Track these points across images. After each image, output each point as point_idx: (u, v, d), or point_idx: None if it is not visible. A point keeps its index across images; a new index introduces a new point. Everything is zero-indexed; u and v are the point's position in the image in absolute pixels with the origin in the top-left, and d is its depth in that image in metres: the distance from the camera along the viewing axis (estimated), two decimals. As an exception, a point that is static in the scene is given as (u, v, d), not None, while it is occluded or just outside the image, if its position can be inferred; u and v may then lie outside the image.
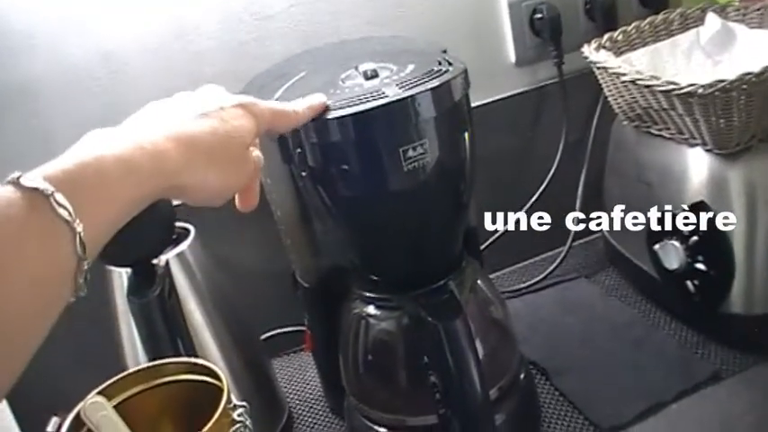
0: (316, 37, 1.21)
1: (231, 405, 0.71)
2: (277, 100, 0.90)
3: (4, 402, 1.11)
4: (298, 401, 1.23)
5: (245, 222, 1.24)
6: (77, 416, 0.73)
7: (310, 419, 1.18)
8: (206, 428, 0.66)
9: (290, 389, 1.26)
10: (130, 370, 0.79)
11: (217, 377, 0.74)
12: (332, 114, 0.80)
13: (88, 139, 0.59)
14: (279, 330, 1.31)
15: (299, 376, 1.29)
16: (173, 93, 0.72)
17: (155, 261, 0.94)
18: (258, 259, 1.27)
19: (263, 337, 1.25)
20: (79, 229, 0.51)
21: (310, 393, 1.24)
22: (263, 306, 1.20)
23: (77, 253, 0.52)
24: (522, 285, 1.35)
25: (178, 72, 1.18)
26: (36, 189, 0.50)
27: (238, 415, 0.70)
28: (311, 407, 1.21)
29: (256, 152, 0.75)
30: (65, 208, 0.50)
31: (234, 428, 0.70)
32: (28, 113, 1.15)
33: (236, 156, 0.70)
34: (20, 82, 1.13)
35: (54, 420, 0.75)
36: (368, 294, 0.96)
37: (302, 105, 0.79)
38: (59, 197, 0.50)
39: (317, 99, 0.80)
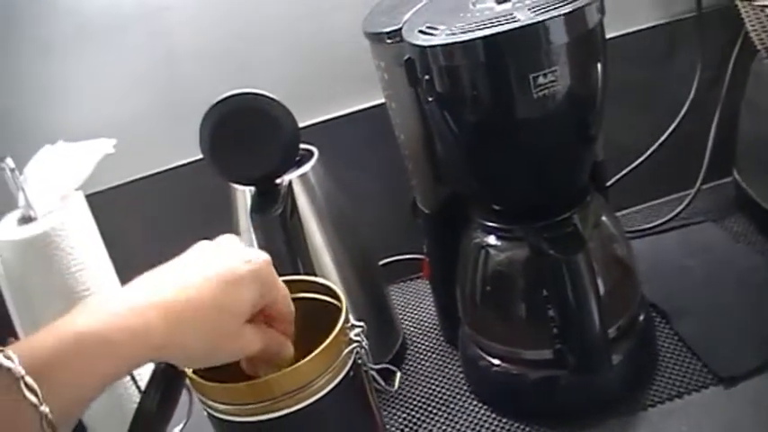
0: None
1: (349, 324, 0.71)
2: (406, 23, 0.89)
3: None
4: (412, 328, 1.23)
5: (368, 146, 1.25)
6: None
7: (424, 346, 1.18)
8: (323, 345, 0.67)
9: (405, 315, 1.27)
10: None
11: (336, 297, 0.74)
12: (461, 38, 0.78)
13: (83, 305, 0.59)
14: (397, 257, 1.32)
15: (414, 303, 1.29)
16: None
17: (278, 181, 0.95)
18: (380, 184, 1.27)
19: (382, 262, 1.25)
20: (46, 411, 0.52)
21: (425, 321, 1.24)
22: (383, 232, 1.20)
23: None
24: (647, 226, 1.31)
25: None
26: (9, 369, 0.51)
27: (355, 334, 0.71)
28: (425, 334, 1.21)
29: (254, 331, 0.68)
30: (33, 392, 0.51)
31: (350, 348, 0.70)
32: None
33: (228, 331, 0.65)
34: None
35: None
36: (489, 224, 0.95)
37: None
38: (29, 380, 0.51)
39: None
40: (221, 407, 0.69)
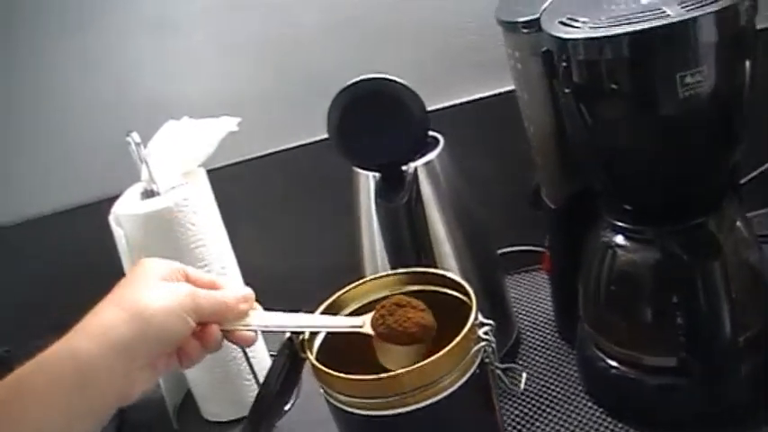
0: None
1: (478, 322, 0.70)
2: (544, 11, 0.86)
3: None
4: (527, 322, 1.21)
5: (493, 134, 1.23)
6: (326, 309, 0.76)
7: (538, 341, 1.16)
8: (453, 343, 0.66)
9: (519, 308, 1.25)
10: (380, 274, 0.80)
11: (465, 293, 0.73)
12: (606, 32, 0.75)
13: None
14: (517, 248, 1.30)
15: (530, 296, 1.27)
16: None
17: (404, 168, 0.94)
18: (502, 172, 1.25)
19: (501, 252, 1.23)
20: None
21: (540, 315, 1.22)
22: (503, 220, 1.18)
23: None
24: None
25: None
26: None
27: (484, 333, 0.70)
28: (540, 329, 1.19)
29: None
30: None
31: (479, 346, 0.69)
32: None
33: (154, 358, 0.69)
34: None
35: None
36: (618, 223, 0.92)
37: (235, 296, 0.75)
38: None
39: (247, 291, 0.77)
40: (346, 399, 0.69)
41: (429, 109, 0.92)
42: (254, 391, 1.14)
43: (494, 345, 0.70)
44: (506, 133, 1.10)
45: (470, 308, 0.72)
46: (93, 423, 0.64)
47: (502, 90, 1.20)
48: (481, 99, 1.25)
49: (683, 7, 0.74)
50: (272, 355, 1.21)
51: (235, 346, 1.08)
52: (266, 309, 0.77)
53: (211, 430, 1.19)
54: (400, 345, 0.72)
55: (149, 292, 0.68)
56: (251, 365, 1.09)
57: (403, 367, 0.67)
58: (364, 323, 0.74)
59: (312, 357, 0.72)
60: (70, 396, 0.62)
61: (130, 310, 0.66)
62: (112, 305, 0.67)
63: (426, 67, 1.24)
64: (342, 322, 0.76)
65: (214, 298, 0.72)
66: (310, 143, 1.28)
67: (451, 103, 1.26)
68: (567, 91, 0.83)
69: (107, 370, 0.63)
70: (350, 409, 0.69)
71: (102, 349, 0.63)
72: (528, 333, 1.18)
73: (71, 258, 1.37)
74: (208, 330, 0.72)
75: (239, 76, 1.29)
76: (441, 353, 0.65)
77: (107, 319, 0.66)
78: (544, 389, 1.06)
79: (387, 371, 0.68)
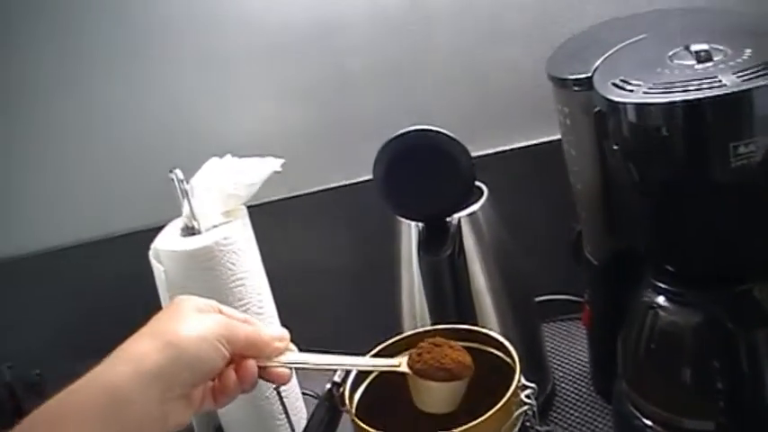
0: (628, 2, 1.14)
1: (521, 385, 0.70)
2: (596, 69, 0.86)
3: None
4: (561, 373, 1.21)
5: (538, 180, 1.23)
6: None
7: (573, 394, 1.16)
8: (497, 407, 0.66)
9: (554, 358, 1.24)
10: (423, 329, 0.80)
11: (508, 353, 0.73)
12: (660, 99, 0.75)
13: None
14: (554, 297, 1.29)
15: (566, 346, 1.27)
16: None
17: (447, 219, 0.95)
18: (545, 221, 1.25)
19: (539, 299, 1.22)
20: None
21: (575, 367, 1.22)
22: (543, 268, 1.18)
23: None
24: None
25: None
26: None
27: (526, 396, 0.70)
28: (575, 381, 1.19)
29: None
30: None
31: (521, 410, 0.69)
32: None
33: (190, 389, 0.68)
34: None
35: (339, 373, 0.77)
36: (660, 284, 0.91)
37: (270, 332, 0.75)
38: None
39: (282, 330, 0.77)
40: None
41: (474, 154, 0.92)
42: (285, 431, 1.14)
43: (535, 408, 0.70)
44: (550, 180, 1.10)
45: (513, 369, 0.71)
46: None
47: (548, 139, 1.20)
48: (528, 147, 1.26)
49: (738, 77, 0.74)
50: (304, 394, 1.21)
51: (269, 385, 1.09)
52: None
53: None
54: (437, 381, 0.71)
55: (184, 322, 0.68)
56: (284, 405, 1.09)
57: (439, 408, 0.67)
58: (401, 363, 0.74)
59: (352, 411, 0.72)
60: (105, 424, 0.61)
61: (164, 338, 0.66)
62: (146, 335, 0.67)
63: (472, 112, 1.24)
64: (379, 362, 0.76)
65: (250, 330, 0.72)
66: (353, 184, 1.29)
67: (498, 149, 1.26)
68: (615, 148, 0.83)
69: (141, 398, 0.63)
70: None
71: (136, 377, 0.63)
72: (562, 385, 1.18)
73: (109, 286, 1.37)
74: (244, 364, 0.72)
75: (284, 115, 1.30)
76: (485, 416, 0.65)
77: (141, 347, 0.65)
78: (579, 444, 1.05)
79: (424, 421, 0.68)
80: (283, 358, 0.74)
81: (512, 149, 1.26)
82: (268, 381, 0.74)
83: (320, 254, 1.36)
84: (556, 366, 1.22)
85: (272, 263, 1.15)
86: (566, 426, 1.09)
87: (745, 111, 0.74)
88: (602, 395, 1.12)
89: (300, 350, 0.77)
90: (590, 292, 1.10)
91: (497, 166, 1.21)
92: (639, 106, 0.77)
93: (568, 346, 1.27)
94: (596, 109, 0.84)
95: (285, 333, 0.76)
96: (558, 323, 1.32)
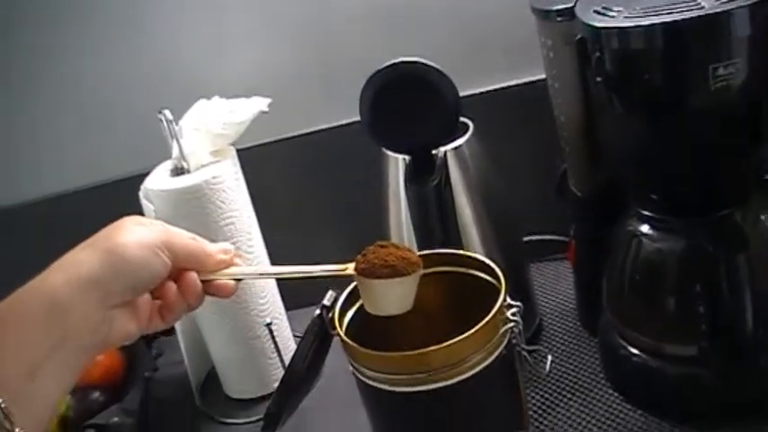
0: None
1: (506, 303, 0.71)
2: (579, 1, 0.87)
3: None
4: (548, 310, 1.22)
5: (522, 121, 1.24)
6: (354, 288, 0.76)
7: (559, 330, 1.17)
8: (482, 323, 0.67)
9: (541, 296, 1.26)
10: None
11: (494, 275, 0.74)
12: (640, 22, 0.76)
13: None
14: (541, 237, 1.30)
15: (552, 285, 1.28)
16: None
17: (434, 152, 0.95)
18: (530, 161, 1.25)
19: (525, 239, 1.24)
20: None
21: (562, 304, 1.23)
22: (529, 208, 1.19)
23: None
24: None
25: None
26: None
27: (512, 314, 0.71)
28: (562, 317, 1.20)
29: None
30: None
31: (506, 327, 0.70)
32: None
33: (132, 297, 0.68)
34: None
35: (330, 293, 0.78)
36: (644, 212, 0.93)
37: (216, 249, 0.74)
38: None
39: (226, 244, 0.76)
40: (374, 374, 0.70)
41: (462, 94, 0.93)
42: (277, 369, 1.15)
43: (521, 326, 0.71)
44: (536, 122, 1.11)
45: (498, 290, 0.73)
46: (71, 363, 0.63)
47: (533, 78, 1.21)
48: (512, 87, 1.26)
49: (717, 0, 0.75)
50: (295, 336, 1.23)
51: (260, 323, 1.10)
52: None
53: (235, 407, 1.21)
54: (382, 278, 0.71)
55: (125, 232, 0.67)
56: (276, 343, 1.10)
57: (390, 309, 0.69)
58: (347, 267, 0.73)
59: (342, 333, 0.73)
60: (46, 330, 0.62)
61: (103, 246, 0.66)
62: (86, 246, 0.66)
63: (459, 53, 1.24)
64: (325, 268, 0.75)
65: (191, 242, 0.73)
66: (342, 125, 1.29)
67: (482, 89, 1.26)
68: (598, 80, 0.84)
69: (80, 305, 0.63)
70: (378, 385, 0.70)
71: (75, 283, 0.63)
72: (550, 321, 1.19)
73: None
74: (185, 276, 0.72)
75: (271, 57, 1.31)
76: (470, 331, 0.67)
77: (79, 256, 0.65)
78: (565, 375, 1.07)
79: (415, 343, 0.69)
80: (227, 272, 0.74)
81: (499, 89, 1.26)
82: (213, 295, 0.74)
83: (308, 196, 1.37)
84: (543, 303, 1.23)
85: (262, 205, 1.16)
86: (553, 358, 1.10)
87: (723, 32, 0.75)
88: (588, 329, 1.14)
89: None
90: (575, 227, 1.11)
91: (485, 104, 1.22)
92: (621, 30, 0.78)
93: (555, 284, 1.28)
94: (578, 37, 0.84)
95: (229, 246, 0.76)
96: (545, 263, 1.33)
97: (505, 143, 1.20)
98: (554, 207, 1.13)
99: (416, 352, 0.67)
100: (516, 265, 1.12)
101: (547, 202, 1.14)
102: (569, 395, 1.03)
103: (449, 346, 0.66)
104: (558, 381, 1.06)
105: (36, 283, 0.64)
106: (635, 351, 0.97)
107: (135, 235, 0.67)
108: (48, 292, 0.63)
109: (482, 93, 1.26)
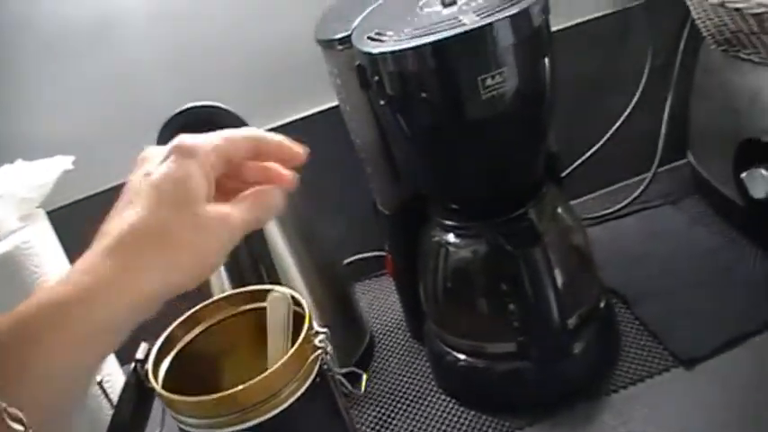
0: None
1: (313, 331, 0.72)
2: (355, 27, 0.90)
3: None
4: (379, 325, 1.24)
5: (326, 148, 1.25)
6: (167, 338, 0.76)
7: (391, 343, 1.19)
8: (288, 354, 0.68)
9: (371, 313, 1.28)
10: (215, 297, 0.81)
11: (299, 304, 0.76)
12: (409, 44, 0.79)
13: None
14: (361, 255, 1.33)
15: (380, 301, 1.31)
16: None
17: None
18: (339, 185, 1.27)
19: (346, 261, 1.26)
20: None
21: (391, 317, 1.25)
22: (346, 231, 1.21)
23: None
24: (605, 212, 1.33)
25: None
26: None
27: (320, 341, 0.72)
28: (392, 331, 1.22)
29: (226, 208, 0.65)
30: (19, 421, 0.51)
31: (315, 354, 0.71)
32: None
33: (185, 227, 0.62)
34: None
35: (143, 346, 0.77)
36: (447, 222, 0.96)
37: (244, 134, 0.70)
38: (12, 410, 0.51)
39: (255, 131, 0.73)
40: (192, 420, 0.69)
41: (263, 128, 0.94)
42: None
43: (330, 352, 0.72)
44: (340, 146, 1.13)
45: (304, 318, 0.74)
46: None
47: (330, 105, 1.23)
48: (313, 115, 1.28)
49: (477, 15, 0.79)
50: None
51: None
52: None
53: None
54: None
55: None
56: (110, 400, 1.08)
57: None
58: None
59: (157, 385, 0.73)
60: None
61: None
62: None
63: (257, 88, 1.25)
64: None
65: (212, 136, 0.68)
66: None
67: (283, 121, 1.28)
68: (382, 103, 0.87)
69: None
70: (198, 431, 0.70)
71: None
72: (381, 336, 1.22)
73: None
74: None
75: (74, 114, 1.28)
76: (276, 365, 0.67)
77: None
78: (399, 388, 1.09)
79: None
80: None
81: (300, 119, 1.28)
82: None
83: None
84: (374, 320, 1.26)
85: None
86: (387, 373, 1.12)
87: (485, 45, 0.79)
88: (418, 339, 1.16)
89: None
90: (389, 243, 1.14)
91: (286, 136, 1.23)
92: (393, 54, 0.81)
93: (383, 299, 1.30)
94: (357, 63, 0.87)
95: None
96: (371, 280, 1.36)
97: (313, 172, 1.22)
98: (370, 226, 1.15)
99: (227, 392, 0.67)
100: (340, 287, 1.14)
101: (364, 221, 1.16)
102: (406, 407, 1.05)
103: (259, 381, 0.67)
104: (394, 395, 1.08)
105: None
106: (460, 356, 1.00)
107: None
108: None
109: (284, 125, 1.27)
